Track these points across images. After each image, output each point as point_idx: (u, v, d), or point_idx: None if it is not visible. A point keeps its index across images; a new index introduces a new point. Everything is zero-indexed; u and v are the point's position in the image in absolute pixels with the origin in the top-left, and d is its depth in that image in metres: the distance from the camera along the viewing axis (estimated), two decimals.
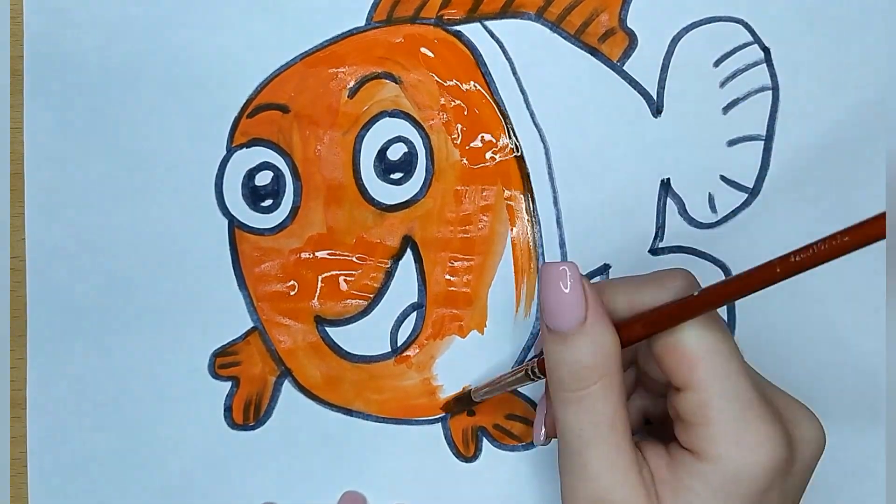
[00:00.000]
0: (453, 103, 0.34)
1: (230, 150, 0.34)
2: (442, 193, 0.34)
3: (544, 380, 0.28)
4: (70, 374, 0.34)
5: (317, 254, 0.34)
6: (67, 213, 0.34)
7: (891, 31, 0.34)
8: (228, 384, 0.34)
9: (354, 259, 0.34)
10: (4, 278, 0.34)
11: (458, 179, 0.34)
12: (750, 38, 0.34)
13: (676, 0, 0.34)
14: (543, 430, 0.31)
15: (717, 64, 0.34)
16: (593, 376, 0.25)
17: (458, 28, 0.34)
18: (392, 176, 0.34)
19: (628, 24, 0.34)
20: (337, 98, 0.34)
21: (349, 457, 0.35)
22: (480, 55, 0.34)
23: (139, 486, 0.34)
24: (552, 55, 0.34)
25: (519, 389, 0.34)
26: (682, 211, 0.34)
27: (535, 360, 0.28)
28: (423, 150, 0.34)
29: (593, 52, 0.34)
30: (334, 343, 0.34)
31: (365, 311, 0.34)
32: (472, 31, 0.34)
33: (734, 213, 0.34)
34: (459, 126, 0.34)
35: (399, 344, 0.34)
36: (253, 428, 0.35)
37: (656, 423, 0.30)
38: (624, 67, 0.34)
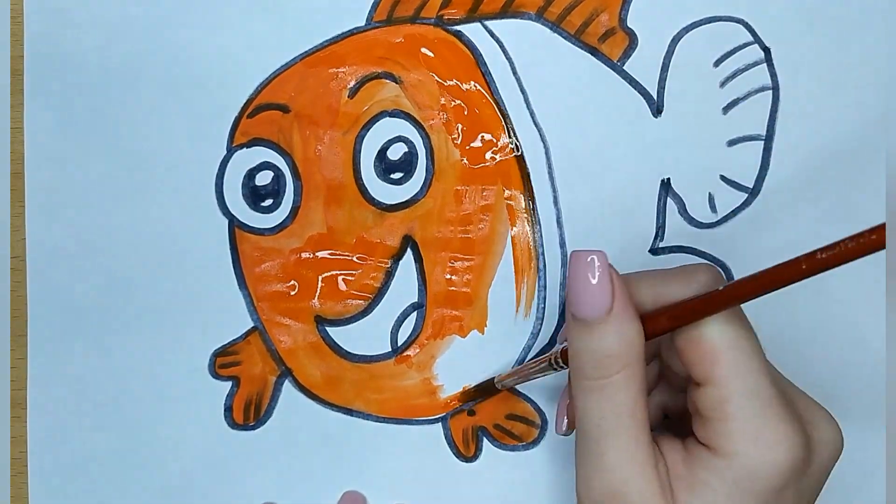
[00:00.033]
0: (453, 103, 0.34)
1: (230, 150, 0.34)
2: (442, 193, 0.34)
3: (567, 370, 0.28)
4: (70, 374, 0.34)
5: (317, 254, 0.34)
6: (67, 213, 0.34)
7: (891, 31, 0.34)
8: (229, 384, 0.34)
9: (355, 259, 0.34)
10: (4, 278, 0.34)
11: (458, 179, 0.34)
12: (750, 38, 0.34)
13: (676, 0, 0.34)
14: (566, 419, 0.31)
15: (717, 64, 0.34)
16: (616, 365, 0.25)
17: (458, 28, 0.34)
18: (392, 176, 0.34)
19: (628, 24, 0.34)
20: (337, 98, 0.34)
21: (349, 457, 0.35)
22: (480, 55, 0.34)
23: (139, 486, 0.34)
24: (552, 55, 0.34)
25: (519, 389, 0.34)
26: (683, 211, 0.34)
27: (559, 350, 0.28)
28: (424, 150, 0.34)
29: (593, 51, 0.34)
30: (334, 343, 0.34)
31: (365, 311, 0.34)
32: (472, 30, 0.34)
33: (734, 213, 0.34)
34: (459, 126, 0.34)
35: (399, 344, 0.34)
36: (253, 428, 0.35)
37: (675, 418, 0.30)
38: (624, 67, 0.34)
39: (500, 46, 0.34)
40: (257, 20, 0.34)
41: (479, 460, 0.35)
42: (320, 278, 0.34)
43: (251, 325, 0.34)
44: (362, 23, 0.34)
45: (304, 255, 0.34)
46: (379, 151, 0.34)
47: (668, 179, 0.34)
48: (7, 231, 0.34)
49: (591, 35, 0.34)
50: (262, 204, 0.34)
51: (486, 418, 0.35)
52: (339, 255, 0.34)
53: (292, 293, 0.34)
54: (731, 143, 0.34)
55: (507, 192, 0.34)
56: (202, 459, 0.35)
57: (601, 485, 0.25)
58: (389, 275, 0.34)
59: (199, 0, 0.34)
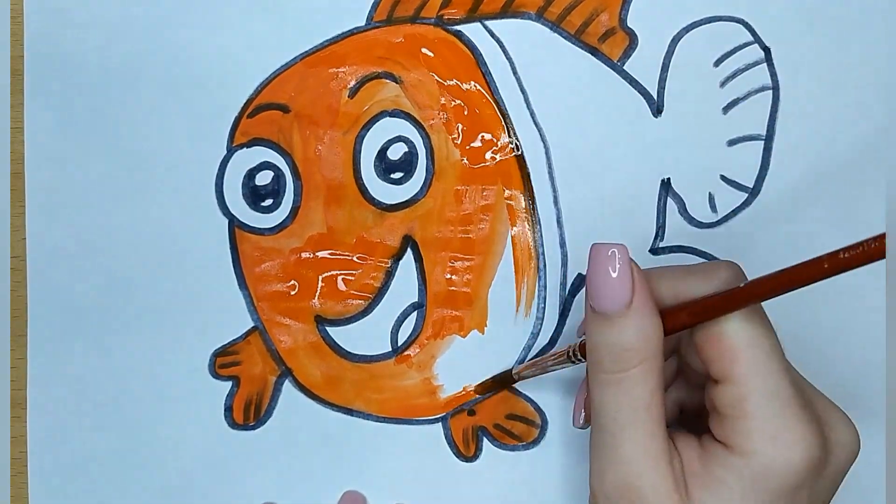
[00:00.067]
0: (453, 103, 0.34)
1: (230, 150, 0.34)
2: (442, 193, 0.34)
3: (584, 365, 0.28)
4: (70, 374, 0.34)
5: (317, 253, 0.34)
6: (67, 213, 0.34)
7: (891, 31, 0.34)
8: (229, 384, 0.34)
9: (355, 259, 0.34)
10: (4, 278, 0.34)
11: (458, 179, 0.34)
12: (750, 38, 0.34)
13: (676, 0, 0.34)
14: (583, 413, 0.31)
15: (717, 64, 0.34)
16: (634, 359, 0.25)
17: (458, 28, 0.34)
18: (392, 175, 0.34)
19: (628, 24, 0.34)
20: (337, 98, 0.34)
21: (349, 457, 0.35)
22: (481, 55, 0.34)
23: (139, 486, 0.34)
24: (552, 55, 0.34)
25: (520, 389, 0.34)
26: (683, 210, 0.34)
27: (577, 343, 0.28)
28: (424, 150, 0.34)
29: (593, 51, 0.34)
30: (335, 343, 0.34)
31: (365, 311, 0.34)
32: (472, 30, 0.34)
33: (734, 212, 0.34)
34: (460, 126, 0.34)
35: (399, 344, 0.34)
36: (253, 428, 0.35)
37: (691, 414, 0.30)
38: (624, 67, 0.34)
39: (501, 46, 0.34)
40: (257, 20, 0.34)
41: (479, 460, 0.35)
42: (320, 278, 0.34)
43: (251, 324, 0.34)
44: (362, 23, 0.34)
45: (304, 254, 0.34)
46: (379, 151, 0.34)
47: (669, 179, 0.34)
48: (7, 231, 0.34)
49: (591, 35, 0.34)
50: (262, 204, 0.34)
51: (486, 418, 0.35)
52: (340, 254, 0.34)
53: (292, 293, 0.34)
54: (731, 142, 0.34)
55: (507, 192, 0.34)
56: (202, 459, 0.34)
57: (615, 478, 0.25)
58: (389, 275, 0.34)
59: (199, 0, 0.34)
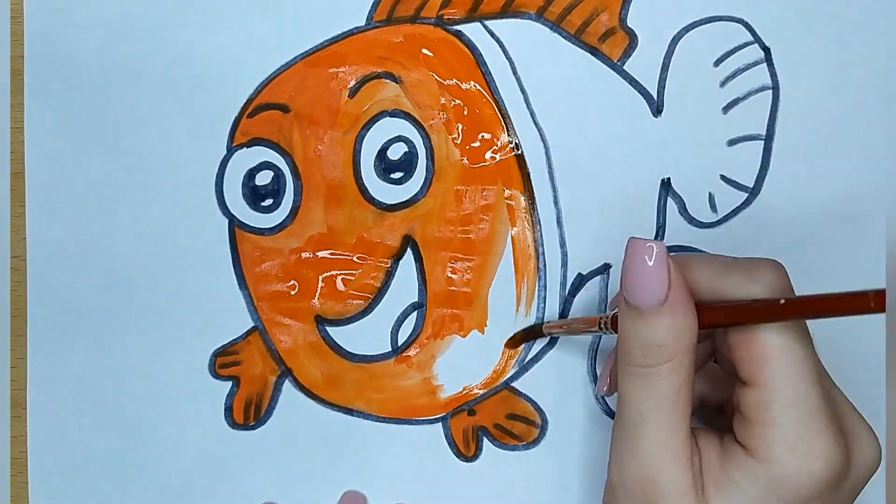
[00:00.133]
0: (453, 103, 0.34)
1: (230, 150, 0.34)
2: (442, 193, 0.34)
3: (611, 335, 0.27)
4: (70, 374, 0.34)
5: (317, 253, 0.34)
6: (67, 213, 0.34)
7: (891, 31, 0.34)
8: (229, 384, 0.34)
9: (355, 259, 0.34)
10: (4, 278, 0.34)
11: (458, 179, 0.34)
12: (750, 38, 0.34)
13: (676, 0, 0.34)
14: (609, 380, 0.31)
15: (717, 63, 0.34)
16: (664, 355, 0.24)
17: (458, 28, 0.34)
18: (392, 175, 0.34)
19: (628, 24, 0.34)
20: (337, 98, 0.34)
21: (349, 457, 0.35)
22: (481, 55, 0.34)
23: (139, 486, 0.34)
24: (552, 55, 0.34)
25: (519, 389, 0.34)
26: (683, 210, 0.34)
27: (611, 315, 0.28)
28: (424, 150, 0.34)
29: (593, 51, 0.34)
30: (335, 343, 0.34)
31: (365, 311, 0.34)
32: (472, 30, 0.34)
33: (734, 212, 0.34)
34: (460, 125, 0.34)
35: (399, 343, 0.34)
36: (253, 428, 0.35)
37: (711, 410, 0.30)
38: (624, 67, 0.34)
39: (500, 46, 0.34)
40: (257, 20, 0.34)
41: (479, 460, 0.35)
42: (320, 278, 0.34)
43: (251, 324, 0.34)
44: (362, 23, 0.34)
45: (304, 254, 0.34)
46: (379, 151, 0.34)
47: (669, 179, 0.34)
48: (7, 231, 0.34)
49: (591, 35, 0.34)
50: (262, 204, 0.34)
51: (486, 418, 0.35)
52: (340, 254, 0.34)
53: (292, 293, 0.34)
54: (731, 142, 0.34)
55: (507, 192, 0.34)
56: (202, 459, 0.34)
57: (635, 471, 0.25)
58: (389, 275, 0.34)
59: (199, 0, 0.34)
